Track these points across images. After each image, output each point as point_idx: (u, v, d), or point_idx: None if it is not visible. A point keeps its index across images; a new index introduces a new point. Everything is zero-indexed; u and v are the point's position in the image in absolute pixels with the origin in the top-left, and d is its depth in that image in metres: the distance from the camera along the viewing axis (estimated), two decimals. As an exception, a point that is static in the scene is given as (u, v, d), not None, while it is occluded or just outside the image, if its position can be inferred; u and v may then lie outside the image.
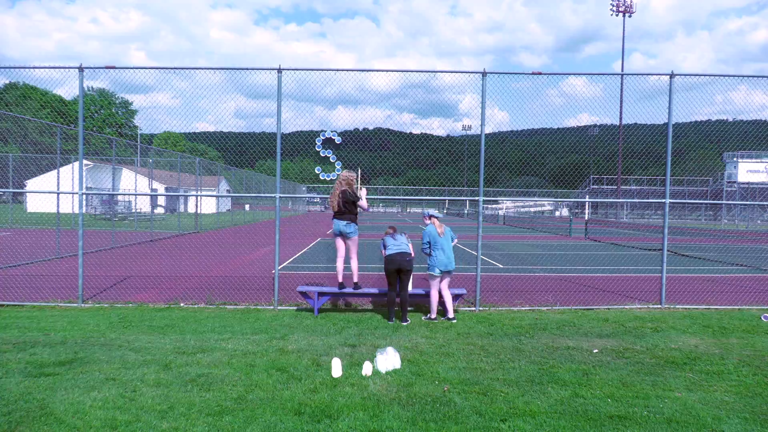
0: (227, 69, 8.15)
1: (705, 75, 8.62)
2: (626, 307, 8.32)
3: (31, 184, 32.22)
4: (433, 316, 7.33)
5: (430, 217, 7.50)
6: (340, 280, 7.63)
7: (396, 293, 7.26)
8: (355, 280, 7.63)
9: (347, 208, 7.45)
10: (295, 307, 7.94)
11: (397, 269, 7.18)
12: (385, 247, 7.37)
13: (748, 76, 8.43)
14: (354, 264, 7.62)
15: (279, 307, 7.90)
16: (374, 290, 7.82)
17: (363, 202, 7.53)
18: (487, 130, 7.96)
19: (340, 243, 7.62)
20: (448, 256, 7.28)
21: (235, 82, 7.94)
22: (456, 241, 7.59)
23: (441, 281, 7.32)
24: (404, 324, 7.06)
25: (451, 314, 7.27)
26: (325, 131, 8.38)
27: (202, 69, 8.22)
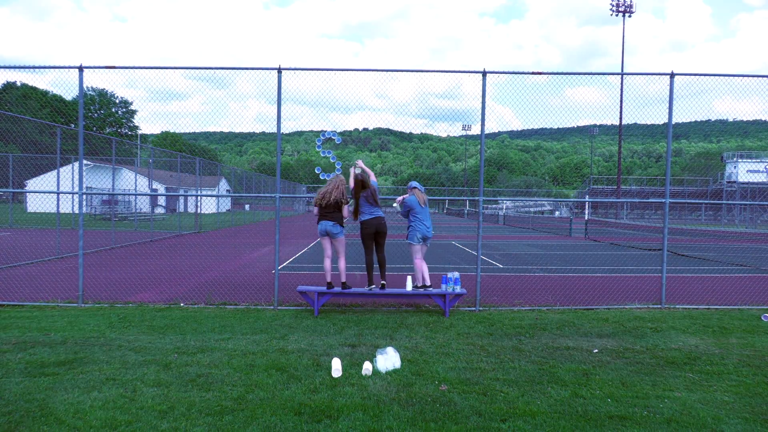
0: (227, 69, 8.16)
1: (705, 75, 8.61)
2: (626, 307, 8.32)
3: (31, 184, 32.22)
4: (419, 283, 7.85)
5: (413, 188, 8.14)
6: (329, 279, 7.67)
7: (373, 256, 7.71)
8: (343, 279, 7.65)
9: (336, 209, 7.58)
10: (295, 307, 7.94)
11: (375, 232, 7.64)
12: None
13: (747, 76, 8.42)
14: (342, 264, 7.65)
15: (279, 307, 7.90)
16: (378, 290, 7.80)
17: (345, 212, 7.67)
18: (491, 130, 7.97)
19: (327, 243, 7.70)
20: (427, 225, 7.91)
21: (258, 87, 7.94)
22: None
23: (422, 250, 7.94)
24: (382, 283, 7.62)
25: (428, 282, 7.85)
26: (325, 131, 8.38)
27: (202, 69, 8.23)
